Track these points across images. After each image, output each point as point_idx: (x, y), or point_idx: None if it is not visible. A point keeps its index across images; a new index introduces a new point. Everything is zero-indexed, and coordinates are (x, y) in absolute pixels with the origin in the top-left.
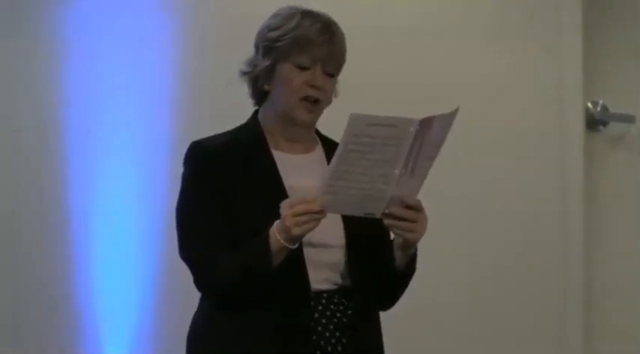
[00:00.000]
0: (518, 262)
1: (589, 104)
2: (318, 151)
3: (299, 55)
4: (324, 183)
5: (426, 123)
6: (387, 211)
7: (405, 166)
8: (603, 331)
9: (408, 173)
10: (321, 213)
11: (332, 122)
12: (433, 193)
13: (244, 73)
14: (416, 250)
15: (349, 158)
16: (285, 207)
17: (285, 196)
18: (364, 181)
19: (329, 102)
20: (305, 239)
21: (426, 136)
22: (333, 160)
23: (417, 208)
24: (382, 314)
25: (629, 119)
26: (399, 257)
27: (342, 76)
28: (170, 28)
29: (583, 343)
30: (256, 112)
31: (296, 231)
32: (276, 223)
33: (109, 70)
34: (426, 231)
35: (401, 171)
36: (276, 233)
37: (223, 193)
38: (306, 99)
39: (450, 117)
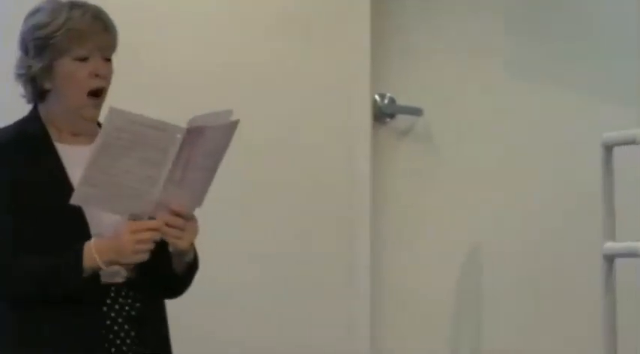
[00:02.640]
0: (305, 255)
1: (376, 96)
2: None
3: (78, 48)
4: (84, 174)
5: (195, 132)
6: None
7: (172, 173)
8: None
9: (177, 181)
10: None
11: None
12: (222, 190)
13: (19, 76)
14: (194, 253)
15: (111, 152)
16: (126, 231)
17: (70, 190)
18: (128, 179)
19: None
20: (94, 233)
21: (198, 145)
22: (91, 152)
23: (185, 217)
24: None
25: (415, 112)
26: (176, 262)
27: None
28: None
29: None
30: (35, 106)
31: (136, 257)
32: (98, 241)
33: None
34: (194, 239)
35: (168, 177)
36: (93, 252)
37: (10, 191)
38: (93, 94)
39: (229, 128)
